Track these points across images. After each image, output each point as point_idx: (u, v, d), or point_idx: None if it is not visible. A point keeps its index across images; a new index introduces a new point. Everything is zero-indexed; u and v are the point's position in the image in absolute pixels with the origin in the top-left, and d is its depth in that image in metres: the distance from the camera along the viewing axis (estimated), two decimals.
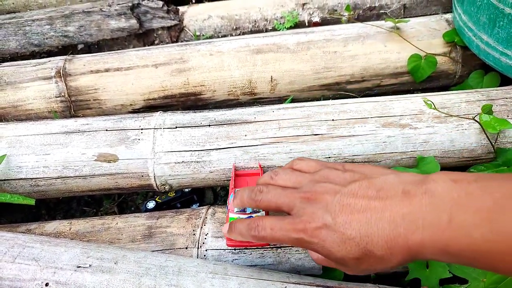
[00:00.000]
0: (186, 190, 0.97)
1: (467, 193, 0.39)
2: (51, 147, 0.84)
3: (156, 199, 0.96)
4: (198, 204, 0.99)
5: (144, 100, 1.03)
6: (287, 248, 0.76)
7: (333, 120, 0.85)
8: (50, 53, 1.23)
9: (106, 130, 0.85)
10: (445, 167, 0.83)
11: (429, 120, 0.83)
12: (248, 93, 1.04)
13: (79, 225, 0.82)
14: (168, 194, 0.97)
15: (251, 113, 0.87)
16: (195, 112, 0.90)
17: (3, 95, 1.04)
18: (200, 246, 0.77)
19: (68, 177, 0.84)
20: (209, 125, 0.85)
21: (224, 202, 1.01)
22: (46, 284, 0.63)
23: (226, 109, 0.89)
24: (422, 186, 0.43)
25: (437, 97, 0.86)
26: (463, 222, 0.38)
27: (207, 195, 1.02)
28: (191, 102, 1.05)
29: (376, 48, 1.04)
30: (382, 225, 0.43)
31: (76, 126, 0.86)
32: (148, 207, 0.95)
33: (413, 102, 0.86)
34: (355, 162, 0.84)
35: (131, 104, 1.04)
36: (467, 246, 0.37)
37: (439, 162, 0.81)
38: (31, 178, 0.83)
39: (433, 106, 0.75)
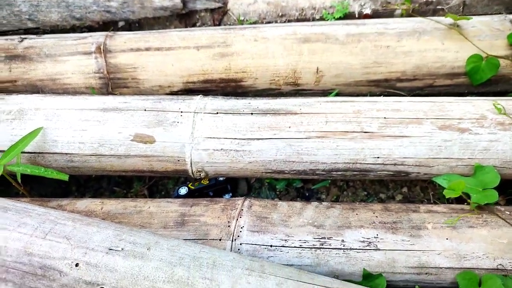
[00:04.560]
0: (221, 178, 0.94)
1: None
2: (88, 123, 0.81)
3: (189, 186, 0.93)
4: (231, 194, 0.95)
5: (183, 83, 1.00)
6: (327, 249, 0.72)
7: (385, 118, 0.79)
8: (90, 29, 1.21)
9: (145, 110, 0.82)
10: (505, 179, 0.77)
11: (492, 126, 0.76)
12: (291, 83, 0.99)
13: (111, 205, 0.79)
14: (202, 182, 0.93)
15: (297, 104, 0.82)
16: (237, 99, 0.86)
17: (42, 67, 1.02)
18: (235, 239, 0.73)
19: (103, 155, 0.81)
20: (252, 114, 0.81)
21: (258, 195, 0.97)
22: (76, 265, 0.60)
23: (269, 98, 0.85)
24: None
25: (502, 102, 0.79)
26: None
27: (241, 186, 0.98)
28: (230, 88, 1.00)
29: (433, 45, 0.97)
30: None
31: (114, 104, 0.83)
32: (180, 193, 0.92)
33: (475, 105, 0.79)
34: (406, 165, 0.78)
35: (169, 86, 1.00)
36: None
37: (499, 172, 0.74)
38: (66, 153, 0.81)
39: (503, 111, 0.69)
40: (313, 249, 0.72)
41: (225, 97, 0.86)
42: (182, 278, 0.59)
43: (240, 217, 0.75)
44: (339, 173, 0.81)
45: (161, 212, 0.77)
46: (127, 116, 0.81)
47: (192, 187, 0.93)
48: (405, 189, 0.94)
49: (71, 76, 1.02)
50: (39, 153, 0.82)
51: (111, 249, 0.62)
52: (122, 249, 0.62)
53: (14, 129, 0.81)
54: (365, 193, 0.94)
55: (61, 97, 0.88)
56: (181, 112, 0.81)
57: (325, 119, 0.79)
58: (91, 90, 1.02)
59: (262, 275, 0.62)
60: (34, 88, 1.04)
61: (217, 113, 0.81)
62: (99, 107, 0.83)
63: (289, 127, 0.79)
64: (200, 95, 0.86)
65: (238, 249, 0.72)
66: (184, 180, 1.02)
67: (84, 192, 1.03)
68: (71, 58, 1.02)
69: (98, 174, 0.88)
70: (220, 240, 0.73)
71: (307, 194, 0.96)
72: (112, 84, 1.01)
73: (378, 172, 0.81)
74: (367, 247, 0.72)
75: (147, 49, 1.01)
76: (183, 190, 0.92)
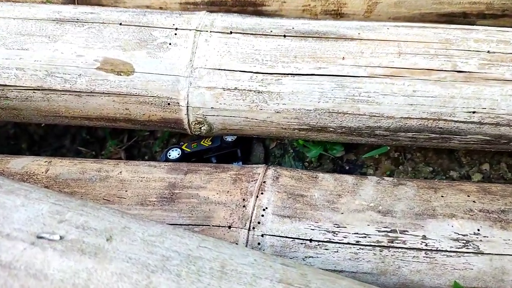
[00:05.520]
0: (229, 139, 0.66)
1: None
2: (32, 40, 0.53)
3: (183, 147, 0.65)
4: (240, 163, 0.68)
5: (181, 4, 0.71)
6: (399, 249, 0.45)
7: (488, 52, 0.51)
8: None
9: (120, 24, 0.54)
10: None
11: None
12: (332, 11, 0.71)
13: (62, 167, 0.51)
14: (201, 142, 0.66)
15: (353, 27, 0.54)
16: (261, 17, 0.58)
17: None
18: (253, 228, 0.46)
19: (53, 89, 0.53)
20: (284, 36, 0.53)
21: (279, 164, 0.70)
22: None
23: (311, 18, 0.57)
24: None
25: None
26: None
27: (255, 151, 0.71)
28: (246, 15, 0.72)
29: None
30: None
31: (74, 14, 0.55)
32: (170, 157, 0.64)
33: None
34: None
35: (160, 7, 0.72)
36: None
37: None
38: None
39: None
40: (378, 247, 0.45)
41: (242, 14, 0.58)
42: None
43: (262, 193, 0.48)
44: (410, 134, 0.54)
45: (138, 180, 0.50)
46: (92, 32, 0.53)
47: (188, 150, 0.65)
48: (485, 166, 0.67)
49: None
50: None
51: (41, 237, 0.35)
52: (61, 237, 0.35)
53: None
54: (430, 169, 0.67)
55: None
56: (176, 29, 0.53)
57: (397, 50, 0.51)
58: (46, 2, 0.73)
59: None
60: None
61: (231, 32, 0.53)
62: (50, 17, 0.54)
63: (343, 58, 0.51)
64: (205, 11, 0.58)
65: (258, 244, 0.45)
66: (177, 142, 0.75)
67: (39, 152, 0.76)
68: None
69: (49, 123, 0.60)
70: (229, 228, 0.46)
71: (347, 168, 0.69)
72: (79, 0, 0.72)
73: (468, 137, 0.54)
74: (463, 249, 0.45)
75: None
76: (174, 153, 0.65)
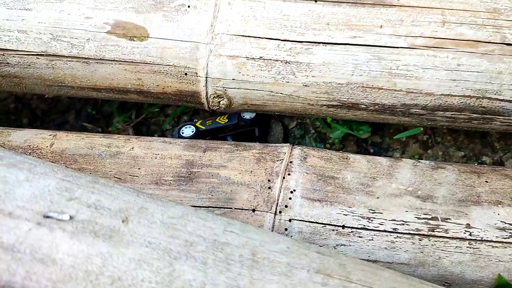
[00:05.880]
0: (247, 116, 0.61)
1: None
2: None
3: (197, 124, 0.61)
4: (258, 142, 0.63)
5: None
6: (441, 240, 0.41)
7: None
8: None
9: None
10: None
11: None
12: None
13: (68, 141, 0.47)
14: (217, 120, 0.61)
15: None
16: None
17: None
18: (280, 212, 0.42)
19: (59, 55, 0.48)
20: (316, 0, 0.47)
21: (299, 144, 0.65)
22: None
23: None
24: None
25: None
26: None
27: (274, 131, 0.66)
28: None
29: None
30: None
31: None
32: (183, 135, 0.60)
33: None
34: None
35: None
36: None
37: None
38: None
39: None
40: (417, 236, 0.41)
41: None
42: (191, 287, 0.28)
43: (289, 174, 0.44)
44: (448, 114, 0.50)
45: (152, 157, 0.45)
46: None
47: (202, 127, 0.61)
48: None
49: None
50: None
51: (48, 217, 0.30)
52: (71, 217, 0.31)
53: None
54: (462, 153, 0.63)
55: None
56: None
57: (441, 18, 0.46)
58: None
59: (349, 285, 0.31)
60: None
61: None
62: None
63: (380, 27, 0.46)
64: None
65: (286, 229, 0.41)
66: (188, 119, 0.70)
67: (41, 129, 0.71)
68: None
69: (53, 94, 0.55)
70: (253, 211, 0.42)
71: (371, 151, 0.65)
72: None
73: None
74: (509, 239, 0.41)
75: None
76: (187, 131, 0.60)
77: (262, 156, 0.46)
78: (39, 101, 0.72)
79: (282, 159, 0.45)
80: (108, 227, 0.31)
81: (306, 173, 0.44)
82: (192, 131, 0.60)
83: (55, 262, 0.29)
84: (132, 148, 0.46)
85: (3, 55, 0.48)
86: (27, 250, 0.29)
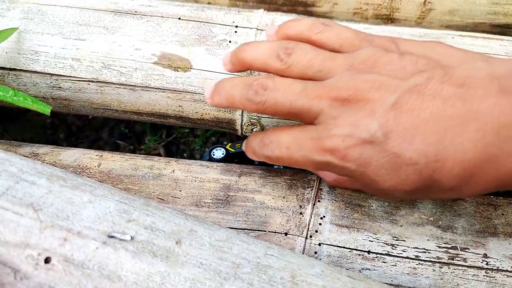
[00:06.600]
0: None
1: None
2: (89, 30, 0.52)
3: (227, 147, 0.64)
4: (282, 167, 0.67)
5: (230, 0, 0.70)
6: (460, 268, 0.44)
7: None
8: None
9: (179, 19, 0.53)
10: None
11: None
12: (384, 16, 0.70)
13: (114, 161, 0.51)
14: None
15: (416, 35, 0.53)
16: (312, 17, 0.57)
17: None
18: (310, 236, 0.45)
19: (108, 82, 0.52)
20: None
21: None
22: (47, 260, 0.33)
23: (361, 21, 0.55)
24: None
25: None
26: None
27: None
28: (296, 15, 0.71)
29: None
30: (463, 144, 0.30)
31: (132, 6, 0.54)
32: (214, 156, 0.63)
33: None
34: None
35: (209, 3, 0.71)
36: None
37: None
38: (51, 74, 0.52)
39: None
40: (437, 264, 0.44)
41: (303, 16, 0.57)
42: None
43: (319, 201, 0.47)
44: None
45: (192, 180, 0.49)
46: (151, 26, 0.52)
47: (232, 150, 0.64)
48: None
49: None
50: (10, 69, 0.53)
51: (112, 237, 0.34)
52: (132, 238, 0.34)
53: None
54: None
55: None
56: (236, 26, 0.52)
57: None
58: None
59: None
60: None
61: None
62: (108, 7, 0.53)
63: None
64: (262, 9, 0.56)
65: (315, 253, 0.45)
66: (215, 141, 0.74)
67: (76, 143, 0.75)
68: None
69: (98, 115, 0.59)
70: (286, 234, 0.45)
71: None
72: None
73: None
74: None
75: None
76: (218, 153, 0.64)
77: (293, 183, 0.49)
78: (74, 117, 0.77)
79: (313, 186, 0.49)
80: (164, 248, 0.34)
81: (335, 200, 0.47)
82: (223, 153, 0.64)
83: (120, 278, 0.32)
84: (173, 170, 0.50)
85: (56, 80, 0.53)
86: (95, 267, 0.32)
